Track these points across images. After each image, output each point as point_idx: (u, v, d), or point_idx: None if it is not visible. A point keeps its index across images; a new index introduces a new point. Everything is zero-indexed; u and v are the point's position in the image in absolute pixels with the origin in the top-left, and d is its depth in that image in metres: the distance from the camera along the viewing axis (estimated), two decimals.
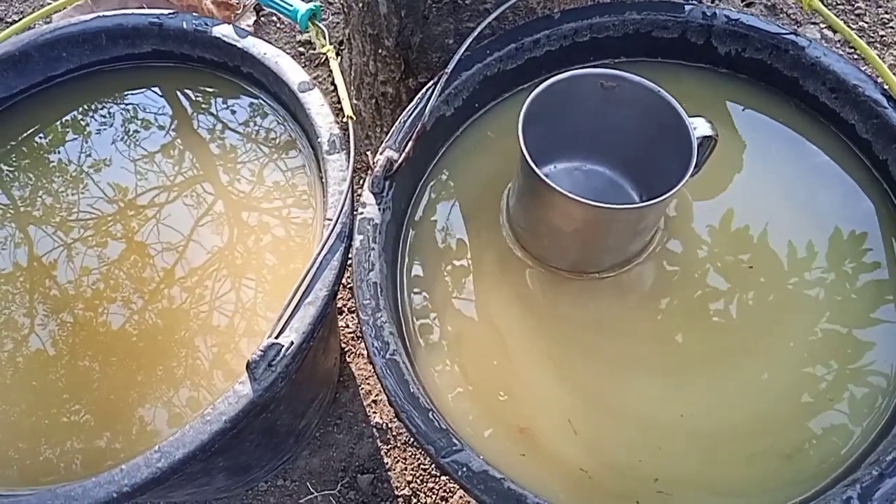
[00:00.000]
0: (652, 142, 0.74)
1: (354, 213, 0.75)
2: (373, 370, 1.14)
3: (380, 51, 1.06)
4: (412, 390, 0.66)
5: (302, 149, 0.86)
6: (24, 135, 0.92)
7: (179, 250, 0.82)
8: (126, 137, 0.90)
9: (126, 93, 0.94)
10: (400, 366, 0.67)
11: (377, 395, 1.13)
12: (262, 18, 1.53)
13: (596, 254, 0.75)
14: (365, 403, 1.12)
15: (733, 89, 0.86)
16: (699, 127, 0.70)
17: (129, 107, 0.93)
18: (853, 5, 1.45)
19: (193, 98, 0.93)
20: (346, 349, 1.16)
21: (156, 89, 0.93)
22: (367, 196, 0.76)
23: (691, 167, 0.66)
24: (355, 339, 1.17)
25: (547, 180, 0.67)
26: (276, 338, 0.67)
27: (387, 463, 1.08)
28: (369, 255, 0.72)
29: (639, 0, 0.85)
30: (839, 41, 1.40)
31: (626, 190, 0.80)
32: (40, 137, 0.92)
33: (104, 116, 0.93)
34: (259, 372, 0.66)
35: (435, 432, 0.64)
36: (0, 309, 0.80)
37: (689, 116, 0.69)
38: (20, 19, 1.57)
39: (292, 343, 0.67)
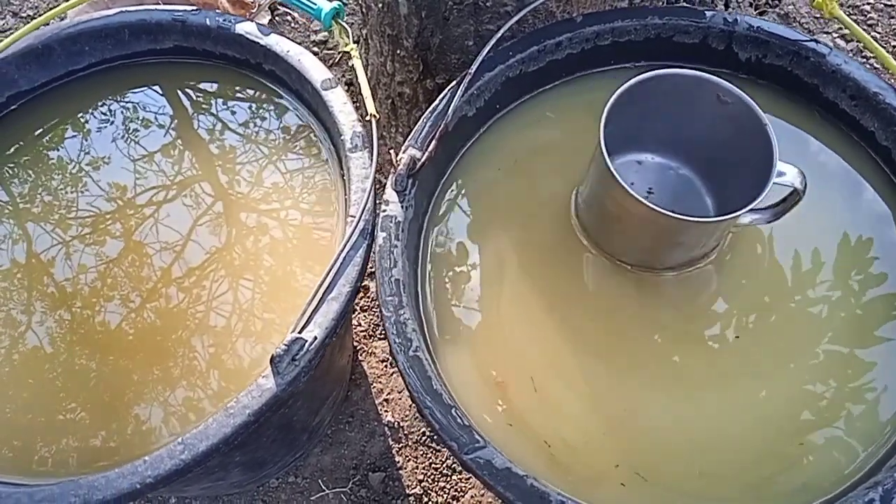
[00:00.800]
0: (734, 154, 0.74)
1: (377, 210, 0.75)
2: (385, 368, 1.14)
3: (398, 51, 1.07)
4: (435, 387, 0.66)
5: (323, 147, 0.87)
6: (43, 128, 0.92)
7: (215, 251, 0.82)
8: (143, 131, 0.91)
9: (143, 88, 0.94)
10: (423, 362, 0.68)
11: (389, 393, 1.13)
12: (277, 18, 1.54)
13: (662, 254, 0.75)
14: (377, 402, 1.13)
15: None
16: (787, 174, 0.69)
17: (144, 103, 0.94)
18: (865, 16, 1.45)
19: (214, 94, 0.93)
20: (358, 348, 1.17)
21: (177, 85, 0.94)
22: (389, 194, 0.76)
23: (762, 195, 0.66)
24: (367, 337, 1.18)
25: (623, 183, 0.67)
26: (300, 333, 0.68)
27: (398, 461, 1.08)
28: (392, 253, 0.73)
29: (660, 5, 0.85)
30: (851, 50, 1.41)
31: (699, 191, 0.80)
32: (63, 129, 0.92)
33: (126, 110, 0.93)
34: (283, 366, 0.67)
35: (458, 429, 0.64)
36: None
37: (783, 161, 0.68)
38: (34, 14, 1.58)
39: (316, 338, 0.68)
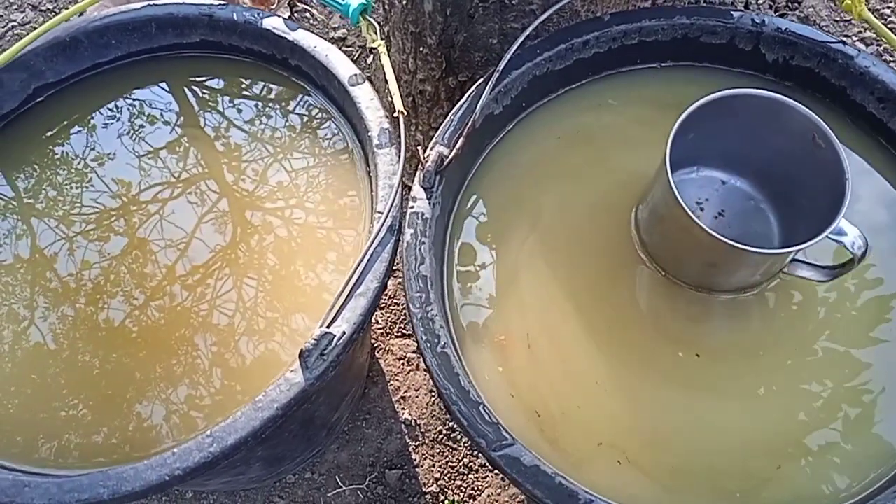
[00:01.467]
0: (809, 189, 0.72)
1: (404, 207, 0.75)
2: (402, 366, 1.14)
3: (421, 48, 1.07)
4: (462, 384, 0.66)
5: (348, 143, 0.87)
6: (67, 121, 0.93)
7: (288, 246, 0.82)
8: (164, 126, 0.91)
9: (167, 82, 0.94)
10: (450, 359, 0.68)
11: (406, 391, 1.13)
12: (296, 14, 1.54)
13: (720, 278, 0.74)
14: (394, 399, 1.13)
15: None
16: (848, 235, 0.67)
17: (166, 98, 0.94)
18: (885, 19, 1.45)
19: (238, 90, 0.93)
20: (375, 345, 1.17)
21: (204, 79, 0.94)
22: (417, 191, 0.76)
23: (809, 243, 0.65)
24: (385, 335, 1.18)
25: (687, 209, 0.66)
26: (328, 327, 0.68)
27: (415, 459, 1.08)
28: (420, 249, 0.73)
29: (688, 5, 0.85)
30: (871, 53, 1.41)
31: (765, 212, 0.78)
32: (88, 121, 0.92)
33: (148, 105, 0.93)
34: (311, 360, 0.67)
35: (486, 426, 0.64)
36: (0, 301, 0.80)
37: (848, 221, 0.67)
38: (53, 7, 1.58)
39: (344, 333, 0.68)
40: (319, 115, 0.89)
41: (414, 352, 1.16)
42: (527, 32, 0.81)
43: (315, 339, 0.66)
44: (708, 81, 0.87)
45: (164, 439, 0.72)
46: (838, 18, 1.43)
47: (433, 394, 1.13)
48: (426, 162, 0.76)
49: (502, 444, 0.63)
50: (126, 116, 0.92)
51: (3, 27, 1.54)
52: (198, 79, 0.94)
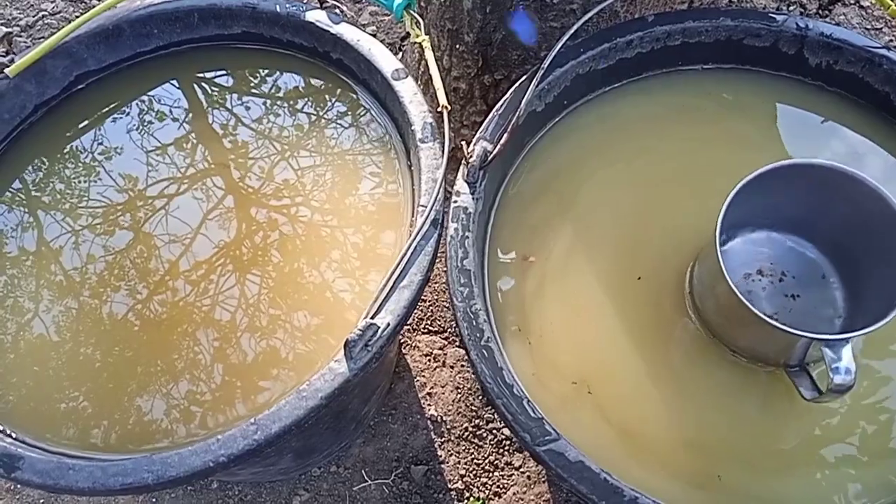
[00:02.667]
0: (873, 260, 0.70)
1: (446, 201, 0.75)
2: (429, 362, 1.14)
3: (457, 46, 1.07)
4: (507, 378, 0.66)
5: (389, 136, 0.87)
6: (104, 110, 0.93)
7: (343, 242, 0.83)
8: (198, 114, 0.92)
9: (207, 73, 0.95)
10: (494, 353, 0.68)
11: (432, 387, 1.13)
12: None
13: (769, 353, 0.71)
14: (420, 395, 1.13)
15: (821, 103, 0.86)
16: (843, 360, 0.62)
17: (207, 86, 0.94)
18: None
19: (280, 81, 0.94)
20: (402, 341, 1.17)
21: (244, 70, 0.94)
22: (461, 185, 0.76)
23: (880, 323, 0.62)
24: (412, 331, 1.18)
25: (739, 294, 0.64)
26: (372, 318, 0.68)
27: (440, 456, 1.08)
28: (464, 243, 0.73)
29: (731, 7, 0.85)
30: None
31: (830, 283, 0.75)
32: (128, 109, 0.93)
33: (188, 93, 0.94)
34: (356, 351, 0.67)
35: (530, 420, 0.64)
36: (6, 292, 0.80)
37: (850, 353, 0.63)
38: None
39: (388, 324, 0.68)
40: (360, 109, 0.90)
41: (440, 348, 1.17)
42: (573, 29, 0.81)
43: (360, 330, 0.66)
44: (751, 85, 0.87)
45: (162, 433, 0.72)
46: (869, 27, 1.43)
47: (459, 391, 1.13)
48: (470, 157, 0.76)
49: (547, 439, 0.63)
50: (166, 105, 0.93)
51: (34, 16, 1.55)
52: (237, 71, 0.94)
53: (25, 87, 0.87)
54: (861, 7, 1.43)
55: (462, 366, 1.15)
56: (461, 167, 0.77)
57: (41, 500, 1.07)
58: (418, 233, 0.72)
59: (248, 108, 0.92)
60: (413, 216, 0.80)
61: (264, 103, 0.92)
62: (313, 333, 0.77)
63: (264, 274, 0.80)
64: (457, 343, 1.17)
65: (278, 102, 0.92)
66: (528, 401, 0.65)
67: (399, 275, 0.71)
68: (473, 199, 0.75)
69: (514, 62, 1.03)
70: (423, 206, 0.74)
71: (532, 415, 0.64)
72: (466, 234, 0.73)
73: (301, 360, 0.75)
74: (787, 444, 0.69)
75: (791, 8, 1.44)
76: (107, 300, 0.79)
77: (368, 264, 0.80)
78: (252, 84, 0.94)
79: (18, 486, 1.08)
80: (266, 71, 0.94)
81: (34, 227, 0.85)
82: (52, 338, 0.78)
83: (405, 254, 0.71)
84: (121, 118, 0.92)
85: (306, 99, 0.92)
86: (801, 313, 0.73)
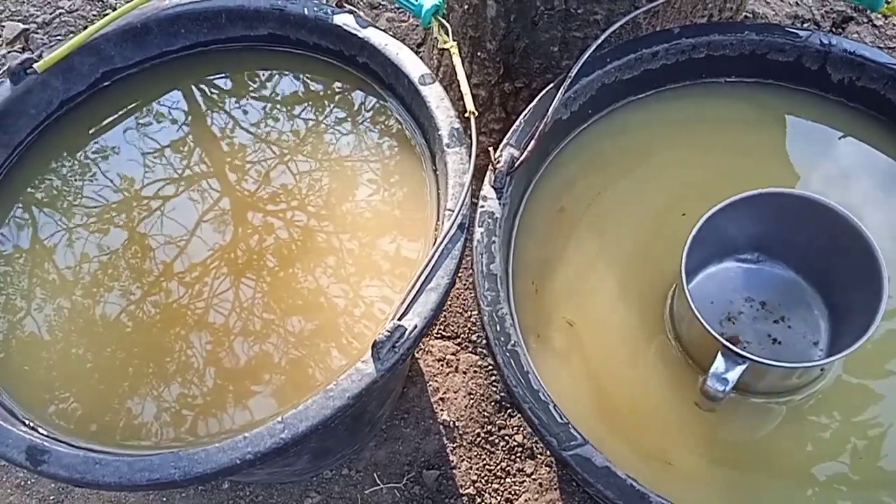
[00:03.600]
0: (848, 282, 0.72)
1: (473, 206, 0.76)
2: (441, 367, 1.15)
3: (479, 53, 1.08)
4: (533, 383, 0.67)
5: (414, 140, 0.87)
6: (126, 109, 0.94)
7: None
8: (223, 115, 0.92)
9: (228, 74, 0.95)
10: (520, 358, 0.68)
11: (445, 392, 1.13)
12: None
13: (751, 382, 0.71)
14: (432, 400, 1.13)
15: (842, 120, 0.87)
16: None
17: (229, 87, 0.95)
18: None
19: (306, 84, 0.94)
20: None
21: (269, 73, 0.95)
22: (488, 191, 0.77)
23: (854, 347, 0.64)
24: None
25: (709, 329, 0.66)
26: (400, 320, 0.68)
27: (452, 461, 1.08)
28: (490, 248, 0.73)
29: (756, 22, 0.86)
30: None
31: (810, 304, 0.77)
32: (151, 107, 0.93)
33: (212, 93, 0.94)
34: (383, 352, 0.67)
35: (556, 425, 0.65)
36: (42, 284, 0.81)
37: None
38: None
39: (416, 326, 0.68)
40: (384, 113, 0.90)
41: (453, 354, 1.17)
42: (601, 39, 0.82)
43: (388, 331, 0.67)
44: (772, 99, 0.88)
45: (152, 436, 0.72)
46: (882, 46, 1.44)
47: (472, 396, 1.13)
48: (497, 163, 0.77)
49: (573, 444, 0.63)
50: (191, 104, 0.93)
51: (51, 14, 1.56)
52: (262, 72, 0.95)
53: (52, 82, 0.88)
54: (874, 26, 1.45)
55: (475, 371, 1.15)
56: (487, 173, 0.78)
57: (52, 497, 1.07)
58: (445, 236, 0.73)
59: (269, 111, 0.92)
60: (438, 220, 0.80)
61: (288, 106, 0.93)
62: None
63: (316, 275, 0.81)
64: (469, 349, 1.18)
65: (304, 105, 0.93)
66: (555, 405, 0.65)
67: (426, 277, 0.71)
68: (500, 204, 0.76)
69: (536, 71, 1.04)
70: (450, 210, 0.75)
71: (558, 420, 0.65)
72: (493, 238, 0.74)
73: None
74: (775, 465, 0.70)
75: (805, 25, 1.45)
76: (100, 300, 0.79)
77: (399, 266, 0.80)
78: (275, 86, 0.95)
79: (29, 482, 1.08)
80: (290, 73, 0.95)
81: (57, 223, 0.85)
82: (44, 337, 0.78)
83: (432, 256, 0.72)
84: (143, 117, 0.92)
85: (331, 102, 0.93)
86: (786, 344, 0.75)
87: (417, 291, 0.71)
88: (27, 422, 0.71)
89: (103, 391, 0.74)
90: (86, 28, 1.53)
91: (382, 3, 1.56)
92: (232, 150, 0.90)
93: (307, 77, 0.94)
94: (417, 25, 1.50)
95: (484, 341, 1.17)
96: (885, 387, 0.72)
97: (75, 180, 0.88)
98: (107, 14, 1.55)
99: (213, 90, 0.95)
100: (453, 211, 0.74)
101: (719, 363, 0.66)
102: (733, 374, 0.65)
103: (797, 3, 1.44)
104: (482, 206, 0.76)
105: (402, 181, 0.86)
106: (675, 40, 0.85)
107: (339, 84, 0.93)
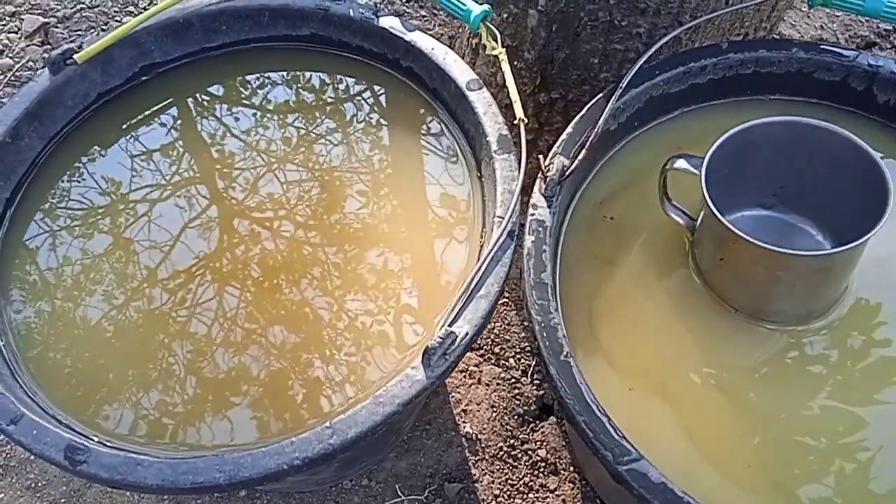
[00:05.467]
0: (842, 191, 0.74)
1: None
2: (464, 378, 1.13)
3: (515, 63, 1.07)
4: (586, 396, 0.65)
5: (457, 147, 0.86)
6: (157, 106, 0.92)
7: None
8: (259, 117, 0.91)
9: (272, 73, 0.94)
10: (572, 369, 0.67)
11: (467, 404, 1.12)
12: None
13: (773, 302, 0.74)
14: (455, 412, 1.11)
15: (883, 137, 0.87)
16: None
17: (268, 89, 0.94)
18: None
19: (347, 87, 0.93)
20: None
21: (310, 74, 0.94)
22: (538, 199, 0.76)
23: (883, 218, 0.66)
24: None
25: (729, 225, 0.68)
26: (451, 327, 0.67)
27: (475, 474, 1.07)
28: (542, 256, 0.72)
29: (806, 40, 0.86)
30: None
31: (813, 236, 0.79)
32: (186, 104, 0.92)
33: (250, 92, 0.93)
34: (434, 359, 0.66)
35: (611, 439, 0.63)
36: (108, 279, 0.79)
37: None
38: None
39: (467, 334, 0.67)
40: (429, 118, 0.89)
41: (476, 365, 1.15)
42: (652, 50, 0.82)
43: (441, 338, 0.65)
44: (815, 117, 0.88)
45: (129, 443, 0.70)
46: None
47: (495, 409, 1.11)
48: (547, 171, 0.76)
49: (628, 459, 0.62)
50: (231, 101, 0.92)
51: (72, 8, 1.54)
52: (305, 73, 0.94)
53: (91, 74, 0.86)
54: None
55: (497, 384, 1.14)
56: (537, 181, 0.77)
57: (63, 500, 1.04)
58: (496, 243, 0.72)
59: (305, 111, 0.91)
60: (484, 227, 0.79)
61: (326, 107, 0.91)
62: None
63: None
64: (492, 360, 1.16)
65: (341, 106, 0.92)
66: (609, 419, 0.64)
67: (476, 284, 0.70)
68: (550, 212, 0.75)
69: (573, 82, 1.04)
70: (499, 217, 0.74)
71: (614, 434, 0.63)
72: (543, 247, 0.73)
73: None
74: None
75: None
76: (81, 303, 0.77)
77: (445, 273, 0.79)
78: (311, 87, 0.94)
79: (40, 484, 1.05)
80: (329, 75, 0.94)
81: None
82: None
83: (482, 263, 0.71)
84: (181, 114, 0.91)
85: (373, 105, 0.92)
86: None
87: (468, 298, 0.69)
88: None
89: (81, 397, 0.72)
90: (107, 24, 1.52)
91: (407, 10, 1.56)
92: (271, 150, 0.88)
93: (348, 80, 0.93)
94: (443, 34, 1.49)
95: (509, 354, 1.16)
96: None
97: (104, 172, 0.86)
98: (129, 10, 1.55)
99: (249, 89, 0.94)
100: (503, 218, 0.73)
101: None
102: None
103: (822, 26, 1.44)
104: (532, 214, 0.75)
105: (445, 187, 0.85)
106: (723, 55, 0.85)
107: (379, 87, 0.92)
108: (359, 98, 0.92)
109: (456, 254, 0.80)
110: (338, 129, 0.89)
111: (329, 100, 0.92)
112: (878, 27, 1.49)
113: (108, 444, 0.66)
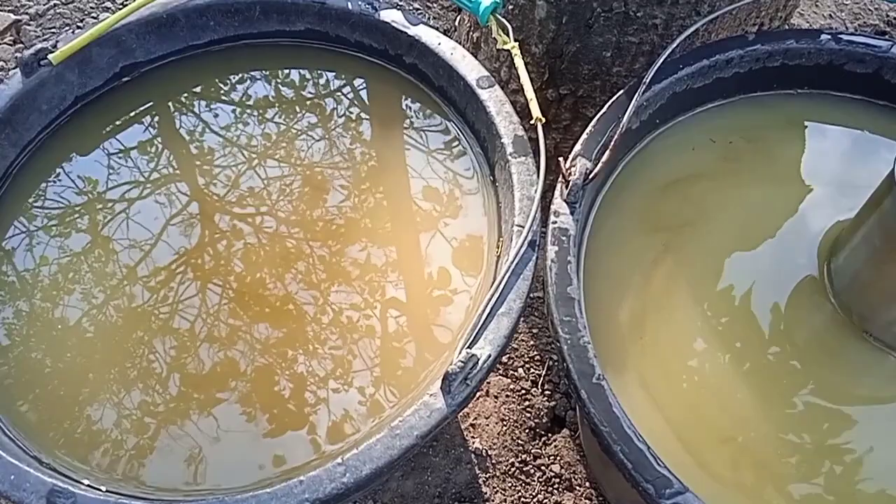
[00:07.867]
0: None
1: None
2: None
3: (522, 57, 1.01)
4: (623, 423, 0.60)
5: (467, 149, 0.80)
6: (140, 109, 0.85)
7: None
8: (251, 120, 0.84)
9: (264, 72, 0.88)
10: (606, 393, 0.61)
11: (476, 418, 1.06)
12: None
13: None
14: (462, 427, 1.06)
15: None
16: None
17: (262, 89, 0.87)
18: None
19: (350, 85, 0.87)
20: None
21: (305, 72, 0.87)
22: (559, 205, 0.70)
23: None
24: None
25: None
26: (471, 348, 0.61)
27: (485, 492, 1.01)
28: (566, 268, 0.67)
29: (837, 30, 0.81)
30: None
31: None
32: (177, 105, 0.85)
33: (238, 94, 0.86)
34: (455, 385, 0.60)
35: (653, 470, 0.58)
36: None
37: None
38: None
39: (489, 356, 0.61)
40: (434, 117, 0.83)
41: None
42: (677, 42, 0.76)
43: (462, 362, 0.59)
44: (846, 112, 0.83)
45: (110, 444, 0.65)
46: None
47: (504, 423, 1.06)
48: (570, 175, 0.70)
49: (674, 492, 0.57)
50: (211, 104, 0.85)
51: (44, 4, 1.46)
52: (300, 72, 0.87)
53: (67, 76, 0.79)
54: None
55: (507, 396, 1.08)
56: (558, 186, 0.71)
57: None
58: (516, 255, 0.66)
59: (301, 114, 0.85)
60: (500, 236, 0.73)
61: (321, 109, 0.85)
62: None
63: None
64: (500, 371, 1.10)
65: (339, 108, 0.85)
66: (651, 449, 0.59)
67: (497, 301, 0.64)
68: (574, 220, 0.69)
69: (584, 77, 0.98)
70: (519, 226, 0.68)
71: (656, 466, 0.58)
72: (569, 258, 0.67)
73: None
74: None
75: None
76: (60, 303, 0.73)
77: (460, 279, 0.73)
78: (307, 87, 0.87)
79: None
80: (324, 73, 0.87)
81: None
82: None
83: (503, 278, 0.65)
84: (167, 117, 0.84)
85: (374, 106, 0.85)
86: None
87: (488, 316, 0.63)
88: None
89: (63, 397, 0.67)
90: (83, 21, 1.44)
91: (400, 2, 1.49)
92: (269, 149, 0.82)
93: (348, 78, 0.87)
94: (437, 28, 1.43)
95: (517, 363, 1.11)
96: None
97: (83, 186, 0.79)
98: (106, 6, 1.47)
99: (238, 90, 0.87)
100: (523, 227, 0.67)
101: None
102: None
103: (831, 15, 1.40)
104: (554, 223, 0.69)
105: (457, 192, 0.79)
106: (750, 47, 0.80)
107: (380, 86, 0.86)
108: (359, 98, 0.86)
109: (470, 263, 0.74)
110: (319, 124, 0.83)
111: (313, 99, 0.86)
112: (888, 16, 1.44)
113: (95, 486, 0.60)
